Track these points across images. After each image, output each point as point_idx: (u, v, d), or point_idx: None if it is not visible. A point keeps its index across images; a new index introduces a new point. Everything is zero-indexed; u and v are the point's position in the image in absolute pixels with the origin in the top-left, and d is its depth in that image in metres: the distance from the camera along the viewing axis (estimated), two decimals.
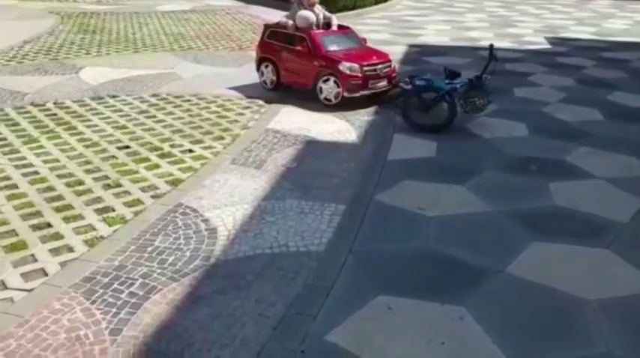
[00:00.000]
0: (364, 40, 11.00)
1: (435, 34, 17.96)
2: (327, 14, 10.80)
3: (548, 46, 16.64)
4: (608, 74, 13.26)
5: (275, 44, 10.61)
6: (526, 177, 7.42)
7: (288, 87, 10.70)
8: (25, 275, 5.00)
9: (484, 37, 17.54)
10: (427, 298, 4.84)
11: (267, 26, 11.05)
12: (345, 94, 9.87)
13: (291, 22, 10.37)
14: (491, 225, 6.17)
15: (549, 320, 4.65)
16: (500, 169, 7.67)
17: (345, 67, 9.77)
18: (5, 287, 4.82)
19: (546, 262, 5.45)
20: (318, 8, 10.64)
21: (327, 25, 10.69)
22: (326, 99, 10.05)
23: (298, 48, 10.22)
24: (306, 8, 10.41)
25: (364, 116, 9.75)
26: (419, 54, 14.94)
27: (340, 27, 10.96)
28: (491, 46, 9.81)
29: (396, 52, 14.98)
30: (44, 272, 5.05)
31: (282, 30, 10.54)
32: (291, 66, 10.39)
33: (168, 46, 14.57)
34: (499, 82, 11.78)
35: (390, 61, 10.36)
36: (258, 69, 11.06)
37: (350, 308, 4.69)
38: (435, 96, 9.10)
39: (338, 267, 5.25)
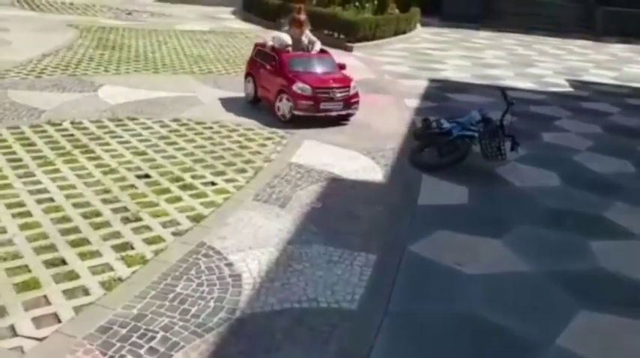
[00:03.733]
0: (342, 66, 11.30)
1: (455, 69, 17.77)
2: (313, 38, 11.43)
3: (570, 89, 16.42)
4: (634, 122, 12.99)
5: (258, 61, 11.46)
6: (564, 233, 7.05)
7: (263, 101, 11.24)
8: (37, 321, 4.61)
9: (505, 76, 17.36)
10: None
11: (256, 45, 11.99)
12: (296, 112, 10.39)
13: (270, 43, 11.17)
14: (535, 287, 5.78)
15: None
16: (536, 223, 7.30)
17: (297, 87, 10.33)
18: (15, 334, 4.44)
19: (597, 335, 5.06)
20: (305, 32, 11.25)
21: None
22: (282, 115, 10.54)
23: (268, 67, 11.00)
24: (298, 26, 11.05)
25: (389, 153, 9.44)
26: (441, 89, 14.71)
27: (322, 52, 11.57)
28: (503, 90, 9.74)
29: (418, 86, 14.79)
30: (57, 318, 4.67)
31: (263, 49, 11.37)
32: (264, 82, 11.13)
33: (188, 68, 14.34)
34: (526, 125, 11.51)
35: (348, 86, 10.69)
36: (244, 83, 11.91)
37: None
38: (448, 139, 8.87)
39: (374, 331, 4.86)
